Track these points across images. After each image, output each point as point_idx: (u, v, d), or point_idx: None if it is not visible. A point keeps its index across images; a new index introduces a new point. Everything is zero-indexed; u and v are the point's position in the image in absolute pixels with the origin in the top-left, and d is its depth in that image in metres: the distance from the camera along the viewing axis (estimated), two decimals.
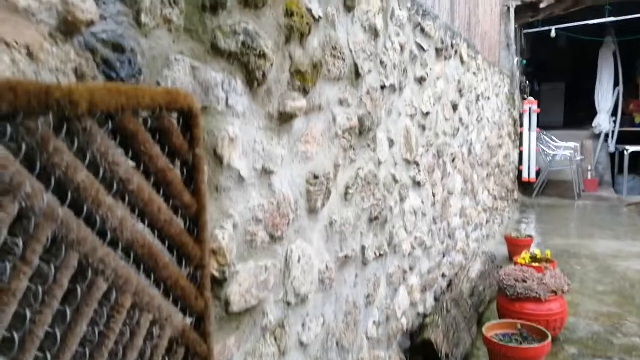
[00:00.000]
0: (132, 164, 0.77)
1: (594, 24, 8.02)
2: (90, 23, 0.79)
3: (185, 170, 0.88)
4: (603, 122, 9.52)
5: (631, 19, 7.66)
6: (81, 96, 0.65)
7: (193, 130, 0.88)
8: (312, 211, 1.70)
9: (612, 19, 7.86)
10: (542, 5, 7.64)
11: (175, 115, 0.88)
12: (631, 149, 8.58)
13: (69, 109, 0.63)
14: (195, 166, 0.88)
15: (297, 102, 1.55)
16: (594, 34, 8.93)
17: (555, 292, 3.14)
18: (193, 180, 0.88)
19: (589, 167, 9.29)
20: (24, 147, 0.57)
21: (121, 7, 0.96)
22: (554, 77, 11.22)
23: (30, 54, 0.67)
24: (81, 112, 0.65)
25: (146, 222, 0.80)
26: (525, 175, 8.32)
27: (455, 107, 3.68)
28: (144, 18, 1.01)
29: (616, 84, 9.58)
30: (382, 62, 2.24)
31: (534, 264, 3.86)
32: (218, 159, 1.24)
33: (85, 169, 0.66)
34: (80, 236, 0.64)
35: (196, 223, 0.92)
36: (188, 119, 0.88)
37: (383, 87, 2.27)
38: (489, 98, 5.38)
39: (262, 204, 1.41)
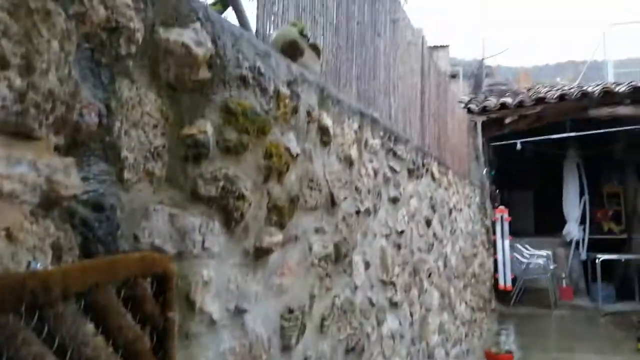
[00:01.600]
0: (100, 337, 0.76)
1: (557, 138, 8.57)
2: (73, 197, 0.82)
3: (155, 335, 0.87)
4: (572, 229, 9.81)
5: (591, 133, 8.21)
6: (55, 282, 0.65)
7: (166, 293, 0.88)
8: (286, 348, 1.65)
9: (573, 134, 8.43)
10: (506, 121, 8.19)
11: (149, 279, 0.88)
12: (602, 257, 8.76)
13: (43, 297, 0.63)
14: (167, 331, 0.86)
15: (274, 237, 1.58)
16: (557, 147, 9.51)
17: None
18: (163, 346, 0.86)
19: (563, 275, 9.39)
20: None
21: (105, 167, 1.00)
22: (523, 185, 11.71)
23: (9, 235, 0.68)
24: (54, 296, 0.65)
25: None
26: (501, 283, 8.33)
27: (428, 223, 3.77)
28: (126, 174, 1.04)
29: (582, 193, 10.02)
30: (356, 188, 2.32)
31: None
32: (190, 304, 1.22)
33: (52, 354, 0.65)
34: None
35: None
36: (162, 283, 0.88)
37: (358, 212, 2.33)
38: (461, 210, 5.54)
39: (233, 346, 1.37)
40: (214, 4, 2.10)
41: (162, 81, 1.18)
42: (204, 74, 1.29)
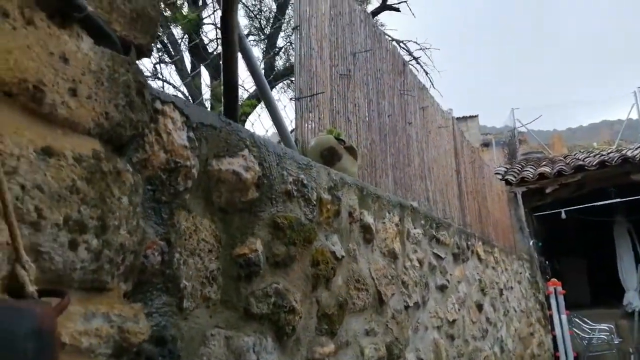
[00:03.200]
0: None
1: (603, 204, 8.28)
2: (142, 342, 0.85)
3: None
4: (633, 299, 9.16)
5: (637, 199, 7.92)
6: None
7: None
8: None
9: (619, 200, 8.14)
10: (547, 191, 8.03)
11: None
12: None
13: None
14: None
15: (325, 348, 1.56)
16: (604, 214, 9.16)
17: None
18: None
19: (630, 350, 8.65)
20: None
21: (166, 298, 1.04)
22: (573, 254, 11.18)
23: None
24: None
25: None
26: None
27: (480, 307, 3.62)
28: (185, 303, 1.08)
29: (637, 260, 9.47)
30: (403, 282, 2.29)
31: None
32: None
33: None
34: None
35: None
36: None
37: (407, 307, 2.28)
38: (511, 288, 5.31)
39: None
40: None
41: (214, 207, 1.25)
42: (253, 194, 1.36)
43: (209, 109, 6.31)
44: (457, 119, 6.98)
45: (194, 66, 7.18)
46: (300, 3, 2.27)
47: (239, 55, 1.65)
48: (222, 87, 1.36)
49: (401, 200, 2.54)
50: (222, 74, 1.35)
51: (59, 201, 0.71)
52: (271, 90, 2.71)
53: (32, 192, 0.68)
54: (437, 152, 4.22)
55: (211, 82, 6.47)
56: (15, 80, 0.69)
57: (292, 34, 2.27)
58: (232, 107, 1.40)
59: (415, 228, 2.58)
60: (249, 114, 4.90)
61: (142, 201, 0.98)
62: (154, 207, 1.05)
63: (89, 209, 0.76)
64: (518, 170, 8.66)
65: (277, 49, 8.11)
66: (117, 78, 0.86)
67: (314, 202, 1.65)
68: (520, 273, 6.25)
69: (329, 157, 1.99)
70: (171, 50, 6.64)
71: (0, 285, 0.62)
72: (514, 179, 8.16)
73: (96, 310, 0.76)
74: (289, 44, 8.22)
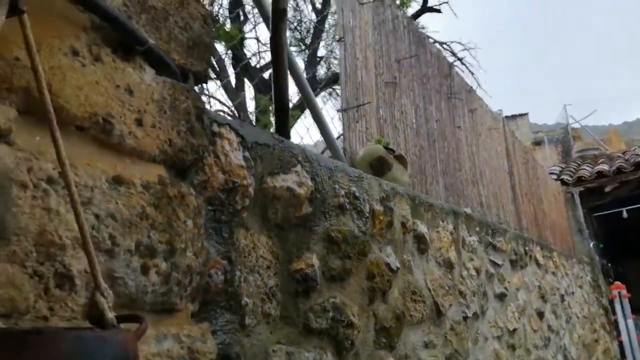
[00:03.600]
0: None
1: None
2: None
3: None
4: None
5: None
6: None
7: None
8: None
9: None
10: (606, 189, 7.65)
11: None
12: None
13: None
14: None
15: None
16: None
17: None
18: None
19: None
20: None
21: (229, 316, 1.07)
22: (638, 255, 10.59)
23: None
24: None
25: None
26: None
27: (541, 315, 3.49)
28: (247, 320, 1.10)
29: None
30: (461, 292, 2.24)
31: None
32: None
33: None
34: None
35: None
36: None
37: (466, 318, 2.22)
38: (573, 293, 5.09)
39: None
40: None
41: (270, 223, 1.27)
42: (306, 209, 1.37)
43: (253, 122, 6.42)
44: (506, 117, 6.79)
45: (237, 79, 7.34)
46: (343, 14, 2.29)
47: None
48: (273, 106, 1.39)
49: (454, 207, 2.49)
50: (273, 93, 1.38)
51: (130, 228, 0.75)
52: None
53: (106, 221, 0.71)
54: (488, 154, 4.12)
55: (255, 94, 6.59)
56: (86, 115, 0.73)
57: (337, 44, 2.28)
58: (283, 125, 1.42)
59: (470, 235, 2.52)
60: (293, 123, 4.96)
61: (204, 222, 1.01)
62: (215, 226, 1.07)
63: (158, 233, 0.79)
64: (574, 169, 8.31)
65: (318, 59, 8.16)
66: (178, 105, 0.89)
67: (367, 214, 1.64)
68: (582, 277, 5.97)
69: (378, 167, 1.98)
70: (215, 65, 6.82)
71: (81, 313, 0.66)
72: (570, 178, 7.84)
73: (167, 332, 0.79)
74: (330, 52, 8.27)
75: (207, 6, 1.03)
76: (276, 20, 1.33)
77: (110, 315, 0.60)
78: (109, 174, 0.75)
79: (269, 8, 1.37)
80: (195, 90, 0.96)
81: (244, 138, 1.17)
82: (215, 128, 1.08)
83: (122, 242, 0.73)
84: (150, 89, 0.84)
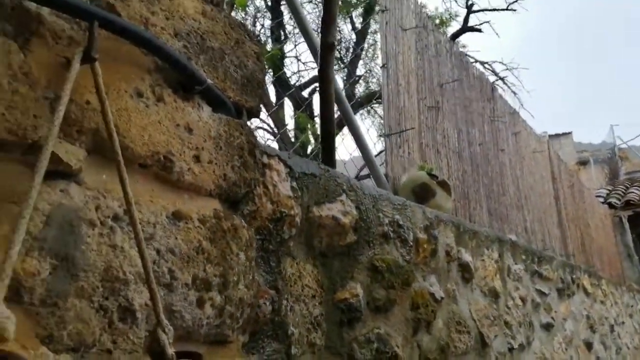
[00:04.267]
0: None
1: None
2: None
3: None
4: None
5: None
6: None
7: None
8: None
9: None
10: None
11: None
12: None
13: None
14: None
15: None
16: None
17: None
18: None
19: None
20: None
21: (276, 345, 1.07)
22: None
23: None
24: None
25: None
26: None
27: (589, 346, 3.33)
28: (293, 349, 1.11)
29: None
30: (506, 323, 2.18)
31: None
32: None
33: None
34: None
35: None
36: None
37: (511, 349, 2.16)
38: (623, 322, 4.84)
39: None
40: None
41: (315, 252, 1.28)
42: (351, 237, 1.37)
43: (292, 138, 6.50)
44: (550, 136, 6.61)
45: (278, 97, 7.47)
46: (387, 40, 2.31)
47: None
48: (320, 136, 1.41)
49: (499, 234, 2.43)
50: (320, 123, 1.40)
51: (187, 262, 0.77)
52: None
53: (166, 256, 0.74)
54: (532, 178, 4.02)
55: (294, 112, 6.68)
56: (149, 153, 0.77)
57: (375, 64, 2.30)
58: (329, 154, 1.44)
59: (516, 264, 2.46)
60: None
61: (256, 253, 1.03)
62: (263, 256, 1.09)
63: (213, 267, 0.81)
64: (622, 192, 7.98)
65: (357, 77, 8.22)
66: (232, 141, 0.92)
67: (411, 243, 1.63)
68: (632, 306, 5.68)
69: (422, 193, 1.97)
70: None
71: (141, 345, 0.68)
72: (618, 202, 7.53)
73: None
74: (368, 71, 8.31)
75: (258, 44, 1.07)
76: (324, 53, 1.36)
77: (171, 351, 0.62)
78: (169, 210, 0.78)
79: (317, 41, 1.40)
80: (248, 126, 0.99)
81: (291, 168, 1.19)
82: (265, 159, 1.10)
83: (180, 276, 0.75)
84: (208, 127, 0.88)
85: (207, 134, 0.87)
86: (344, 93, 2.12)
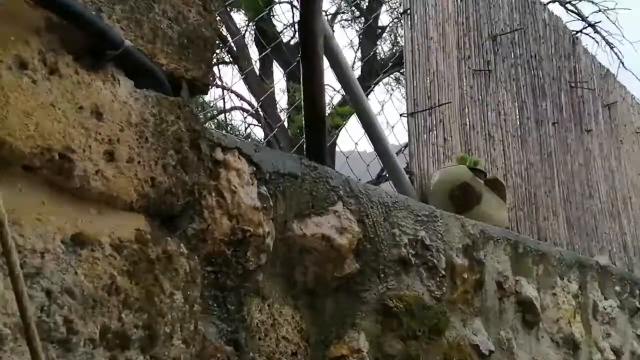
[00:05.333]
0: None
1: None
2: None
3: None
4: None
5: None
6: None
7: None
8: None
9: None
10: None
11: None
12: None
13: None
14: None
15: None
16: None
17: None
18: None
19: None
20: None
21: None
22: None
23: None
24: None
25: None
26: None
27: None
28: None
29: None
30: None
31: None
32: None
33: None
34: None
35: None
36: None
37: None
38: None
39: None
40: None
41: (297, 288, 1.29)
42: (351, 266, 1.39)
43: (285, 121, 6.51)
44: None
45: (264, 64, 7.49)
46: None
47: (325, 61, 1.72)
48: (303, 119, 1.41)
49: (580, 256, 2.44)
50: (303, 100, 1.41)
51: (94, 308, 0.78)
52: (374, 88, 2.74)
53: (61, 299, 0.75)
54: (635, 172, 4.02)
55: (287, 83, 6.69)
56: (36, 150, 0.78)
57: (401, 18, 2.31)
58: (317, 144, 1.45)
59: (606, 299, 2.47)
60: (340, 126, 4.86)
61: (200, 291, 1.04)
62: (216, 295, 1.11)
63: (132, 314, 0.83)
64: None
65: (379, 30, 8.23)
66: (164, 129, 0.93)
67: (442, 272, 1.64)
68: None
69: (462, 198, 1.98)
70: (233, 45, 6.99)
71: None
72: None
73: None
74: (395, 20, 8.31)
75: None
76: None
77: None
78: (67, 232, 0.79)
79: None
80: (190, 107, 1.00)
81: (259, 167, 1.20)
82: (219, 155, 1.11)
83: (82, 328, 0.76)
84: (126, 109, 0.89)
85: (125, 120, 0.88)
86: (349, 58, 2.11)
